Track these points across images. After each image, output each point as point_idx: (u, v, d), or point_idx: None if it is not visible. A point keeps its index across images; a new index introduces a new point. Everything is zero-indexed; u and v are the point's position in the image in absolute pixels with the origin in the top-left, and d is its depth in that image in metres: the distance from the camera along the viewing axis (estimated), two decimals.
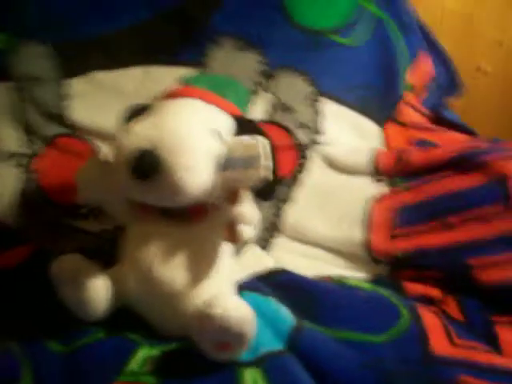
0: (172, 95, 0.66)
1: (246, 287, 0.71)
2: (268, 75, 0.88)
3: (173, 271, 0.61)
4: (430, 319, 0.67)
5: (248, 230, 0.60)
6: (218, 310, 0.54)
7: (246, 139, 0.58)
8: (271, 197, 0.65)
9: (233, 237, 0.59)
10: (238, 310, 0.55)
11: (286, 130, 0.87)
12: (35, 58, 0.90)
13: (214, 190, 0.59)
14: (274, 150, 0.61)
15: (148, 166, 0.55)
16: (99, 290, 0.62)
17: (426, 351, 0.62)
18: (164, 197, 0.58)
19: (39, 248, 0.82)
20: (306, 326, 0.65)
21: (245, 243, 0.61)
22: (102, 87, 0.90)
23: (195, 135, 0.58)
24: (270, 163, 0.56)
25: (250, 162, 0.56)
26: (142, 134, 0.57)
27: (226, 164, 0.57)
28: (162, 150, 0.55)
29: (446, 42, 1.07)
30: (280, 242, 0.86)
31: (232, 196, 0.59)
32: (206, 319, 0.55)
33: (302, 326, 0.65)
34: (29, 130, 0.92)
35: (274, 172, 0.60)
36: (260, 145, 0.56)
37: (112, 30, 0.89)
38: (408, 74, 0.95)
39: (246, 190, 0.60)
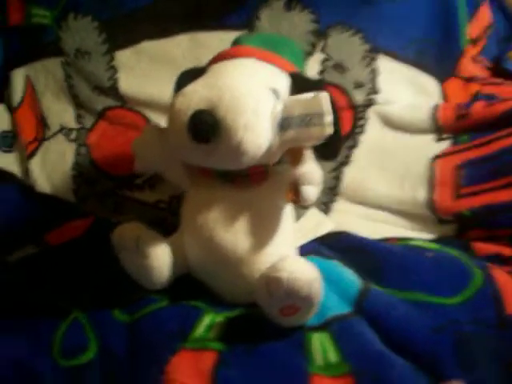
0: (226, 56, 0.64)
1: (309, 251, 0.70)
2: (320, 34, 0.84)
3: (235, 236, 0.60)
4: (503, 279, 0.63)
5: (312, 191, 0.57)
6: (285, 274, 0.53)
7: (306, 95, 0.55)
8: (335, 156, 0.62)
9: (297, 198, 0.57)
10: (305, 273, 0.54)
11: (342, 90, 0.84)
12: (83, 33, 0.89)
13: (275, 150, 0.57)
14: (336, 106, 0.58)
15: (207, 127, 0.53)
16: (161, 258, 0.62)
17: (501, 312, 0.58)
18: (224, 159, 0.56)
19: (98, 220, 0.83)
20: (373, 288, 0.63)
21: (308, 205, 0.59)
22: (151, 57, 0.89)
23: (254, 94, 0.56)
24: (331, 119, 0.54)
25: (311, 119, 0.54)
26: (198, 95, 0.55)
27: (287, 123, 0.55)
28: (220, 110, 0.53)
29: None
30: (340, 205, 0.83)
31: (294, 156, 0.57)
32: (273, 283, 0.53)
33: (369, 289, 0.63)
34: (80, 105, 0.92)
35: (338, 129, 0.58)
36: (321, 100, 0.54)
37: None
38: (469, 26, 0.90)
39: (308, 149, 0.58)
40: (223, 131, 0.53)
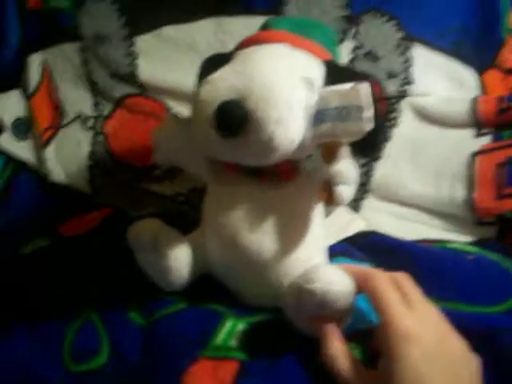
0: (255, 41, 0.58)
1: (338, 252, 0.65)
2: (352, 21, 0.79)
3: (261, 238, 0.55)
4: None
5: (347, 191, 0.52)
6: (319, 285, 0.49)
7: (344, 87, 0.50)
8: (374, 153, 0.56)
9: (330, 199, 0.52)
10: (340, 284, 0.49)
11: (374, 80, 0.79)
12: (102, 16, 0.85)
13: (308, 145, 0.52)
14: (377, 98, 0.53)
15: (235, 119, 0.48)
16: (181, 258, 0.57)
17: None
18: (252, 155, 0.51)
19: (114, 212, 0.80)
20: None
21: (341, 205, 0.54)
22: (173, 43, 0.84)
23: (288, 85, 0.50)
24: (371, 113, 0.49)
25: (348, 112, 0.48)
26: (226, 83, 0.50)
27: (321, 116, 0.50)
28: (250, 101, 0.48)
29: None
30: (371, 203, 0.79)
31: (329, 152, 0.52)
32: (305, 294, 0.50)
33: None
34: (98, 91, 0.89)
35: (379, 124, 0.53)
36: (360, 92, 0.48)
37: None
38: (510, 15, 0.84)
39: (344, 145, 0.53)
40: (253, 125, 0.48)
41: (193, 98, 0.54)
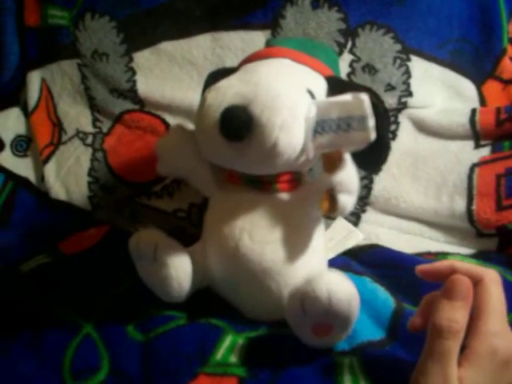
0: (260, 56, 0.60)
1: (338, 266, 0.65)
2: (349, 34, 0.79)
3: (263, 247, 0.55)
4: None
5: (349, 200, 0.53)
6: (324, 292, 0.48)
7: (344, 97, 0.50)
8: (380, 165, 0.56)
9: (332, 208, 0.52)
10: (345, 291, 0.49)
11: (373, 93, 0.79)
12: (101, 33, 0.86)
13: (310, 157, 0.53)
14: (382, 108, 0.53)
15: (240, 123, 0.49)
16: (180, 267, 0.57)
17: None
18: (257, 160, 0.52)
19: (113, 229, 0.79)
20: (408, 310, 0.58)
21: (337, 215, 0.54)
22: (171, 58, 0.85)
23: (292, 93, 0.52)
24: (372, 123, 0.48)
25: (351, 123, 0.49)
26: (232, 90, 0.52)
27: (322, 127, 0.50)
28: (256, 106, 0.50)
29: None
30: (371, 216, 0.78)
31: (331, 162, 0.52)
32: (309, 300, 0.49)
33: (403, 309, 0.58)
34: (97, 108, 0.89)
35: (385, 134, 0.52)
36: (362, 102, 0.48)
37: None
38: (509, 25, 0.84)
39: (346, 153, 0.53)
40: (258, 129, 0.49)
41: (199, 105, 0.55)
